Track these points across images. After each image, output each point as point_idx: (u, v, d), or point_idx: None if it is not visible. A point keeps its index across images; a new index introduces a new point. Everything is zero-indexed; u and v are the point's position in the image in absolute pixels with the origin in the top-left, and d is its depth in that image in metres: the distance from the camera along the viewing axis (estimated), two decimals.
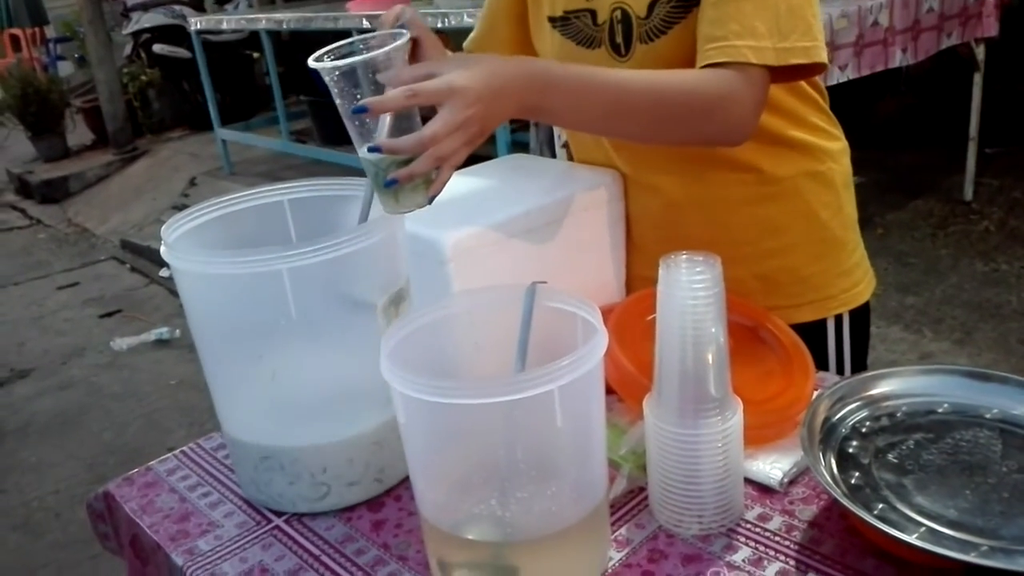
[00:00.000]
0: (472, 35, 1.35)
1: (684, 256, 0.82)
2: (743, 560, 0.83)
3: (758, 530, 0.87)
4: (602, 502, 0.83)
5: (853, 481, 0.86)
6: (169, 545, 0.96)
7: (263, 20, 5.20)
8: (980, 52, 3.77)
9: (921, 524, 0.80)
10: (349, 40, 0.93)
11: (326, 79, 0.89)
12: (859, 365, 1.29)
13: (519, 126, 4.06)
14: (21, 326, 4.57)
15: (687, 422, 0.83)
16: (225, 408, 1.00)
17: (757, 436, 0.93)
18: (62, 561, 2.67)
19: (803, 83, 1.17)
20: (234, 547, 0.94)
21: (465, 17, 3.45)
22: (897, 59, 3.31)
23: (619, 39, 1.14)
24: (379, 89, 0.89)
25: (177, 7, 7.13)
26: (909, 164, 4.62)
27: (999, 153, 4.49)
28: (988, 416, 0.93)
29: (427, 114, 0.89)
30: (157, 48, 7.05)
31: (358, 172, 0.96)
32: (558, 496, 0.82)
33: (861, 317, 1.28)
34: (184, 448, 1.14)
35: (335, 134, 5.28)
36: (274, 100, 5.78)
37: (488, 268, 1.06)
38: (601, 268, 1.26)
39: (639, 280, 1.28)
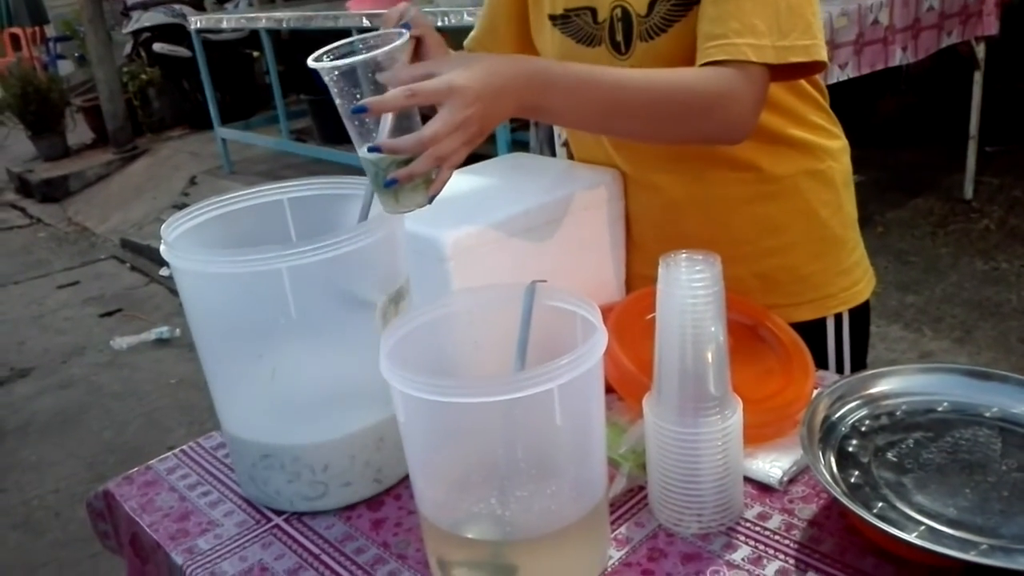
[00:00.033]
0: (472, 34, 1.35)
1: (684, 255, 0.82)
2: (743, 559, 0.83)
3: (758, 529, 0.87)
4: (602, 501, 0.83)
5: (853, 480, 0.86)
6: (169, 544, 0.96)
7: (263, 19, 5.20)
8: (980, 50, 3.77)
9: (921, 523, 0.80)
10: (349, 40, 0.93)
11: (325, 79, 0.89)
12: (859, 364, 1.29)
13: (519, 125, 4.06)
14: (21, 325, 4.57)
15: (687, 421, 0.83)
16: (225, 406, 1.00)
17: (757, 435, 0.93)
18: (62, 560, 2.67)
19: (803, 82, 1.17)
20: (234, 546, 0.94)
21: (465, 15, 3.45)
22: (897, 57, 3.31)
23: (619, 37, 1.14)
24: (379, 89, 0.89)
25: (177, 6, 7.12)
26: (909, 162, 4.62)
27: (999, 152, 4.49)
28: (988, 415, 0.93)
29: (427, 114, 0.89)
30: (157, 47, 7.05)
31: (358, 171, 0.96)
32: (558, 495, 0.82)
33: (861, 316, 1.28)
34: (184, 447, 1.14)
35: (335, 133, 5.29)
36: (274, 99, 5.79)
37: (488, 267, 1.06)
38: (601, 267, 1.26)
39: (639, 279, 1.28)
